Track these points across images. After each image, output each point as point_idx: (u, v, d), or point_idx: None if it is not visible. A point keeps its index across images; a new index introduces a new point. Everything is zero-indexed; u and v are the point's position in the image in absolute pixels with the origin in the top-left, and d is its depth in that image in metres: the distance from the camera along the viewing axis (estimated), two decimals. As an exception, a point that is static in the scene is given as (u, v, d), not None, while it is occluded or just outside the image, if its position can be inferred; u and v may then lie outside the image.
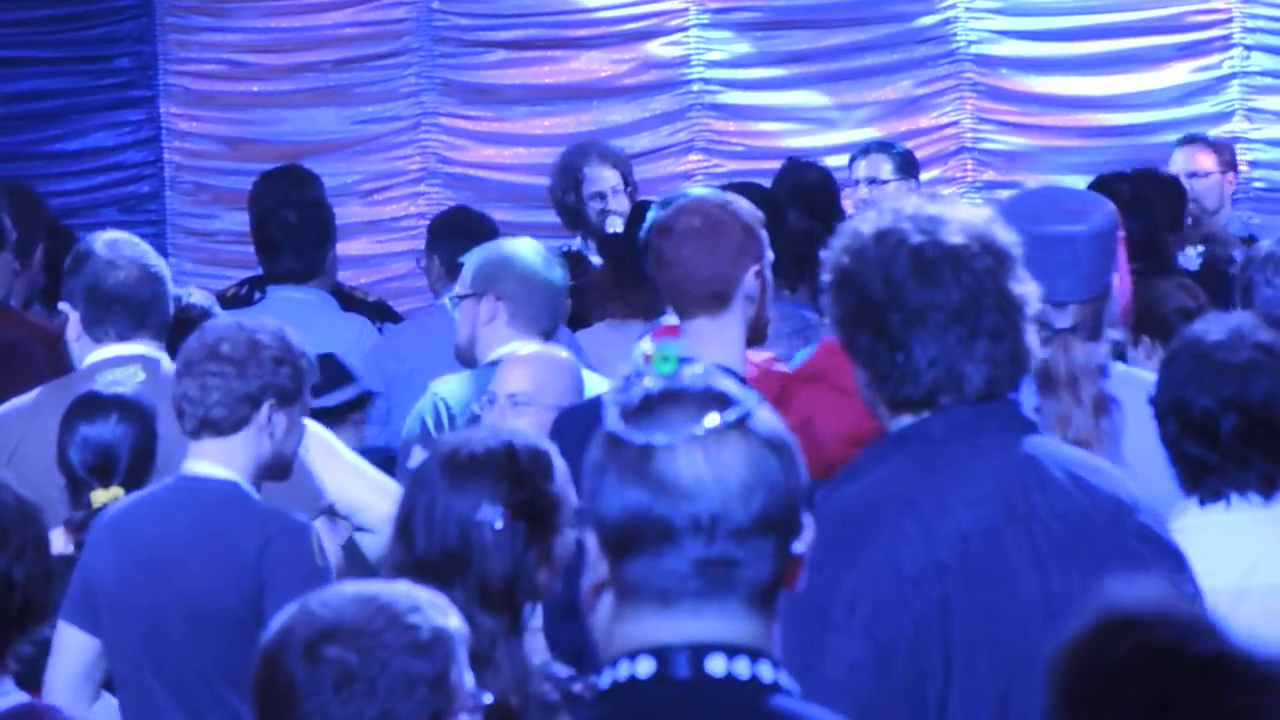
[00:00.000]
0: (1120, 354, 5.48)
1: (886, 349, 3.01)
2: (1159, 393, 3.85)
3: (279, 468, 4.51)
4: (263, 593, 4.26)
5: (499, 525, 3.50)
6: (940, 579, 2.90)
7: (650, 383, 2.33)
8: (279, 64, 10.52)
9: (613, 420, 2.31)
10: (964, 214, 3.05)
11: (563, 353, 5.23)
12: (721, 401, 2.30)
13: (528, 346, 5.27)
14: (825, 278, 3.08)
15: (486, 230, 6.95)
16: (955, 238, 3.01)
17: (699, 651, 2.28)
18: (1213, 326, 3.90)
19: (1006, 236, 3.05)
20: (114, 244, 5.18)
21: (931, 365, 3.00)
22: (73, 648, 4.42)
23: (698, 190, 5.03)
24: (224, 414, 4.41)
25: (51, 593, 3.27)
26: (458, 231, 6.98)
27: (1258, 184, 9.71)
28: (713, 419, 2.28)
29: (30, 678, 3.73)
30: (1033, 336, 3.06)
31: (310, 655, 2.53)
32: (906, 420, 3.04)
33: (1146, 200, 6.58)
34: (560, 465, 3.60)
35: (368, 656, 2.52)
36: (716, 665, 2.28)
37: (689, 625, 2.28)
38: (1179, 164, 8.36)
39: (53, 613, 3.31)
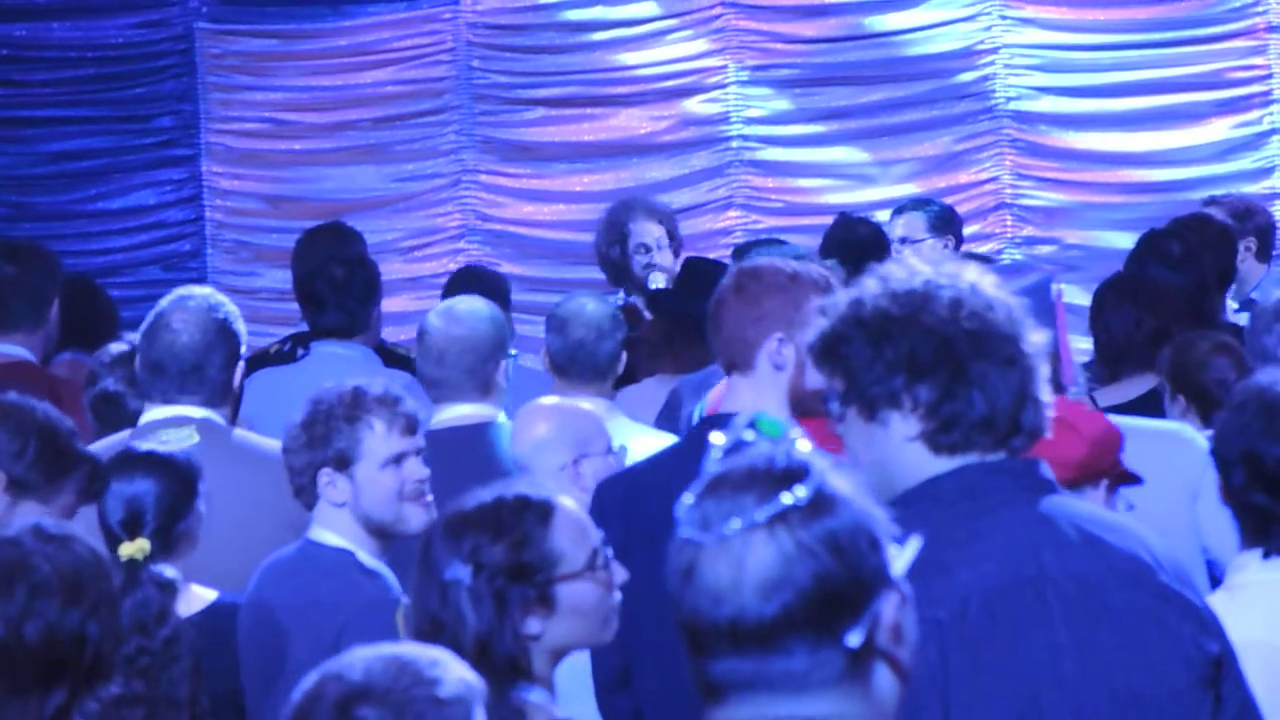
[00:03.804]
0: (1157, 401, 5.48)
1: (961, 388, 3.01)
2: (1224, 443, 3.83)
3: (380, 530, 4.52)
4: None
5: (467, 582, 3.40)
6: (937, 638, 2.88)
7: (718, 462, 2.32)
8: (320, 122, 10.57)
9: (681, 506, 2.32)
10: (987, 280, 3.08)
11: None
12: (785, 480, 2.29)
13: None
14: (864, 328, 3.07)
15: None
16: (993, 293, 3.05)
17: None
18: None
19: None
20: (180, 304, 5.19)
21: (992, 405, 3.01)
22: None
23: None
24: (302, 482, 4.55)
25: (119, 651, 3.24)
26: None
27: (1298, 240, 9.69)
28: (736, 522, 2.27)
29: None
30: (1047, 393, 3.07)
31: (343, 715, 2.50)
32: (943, 465, 3.03)
33: (1195, 259, 6.55)
34: (566, 514, 3.50)
35: (402, 713, 2.50)
36: None
37: (785, 705, 2.28)
38: None
39: (118, 671, 3.28)
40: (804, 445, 2.34)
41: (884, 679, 2.31)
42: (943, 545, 2.93)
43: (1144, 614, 2.98)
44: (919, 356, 3.00)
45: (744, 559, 2.26)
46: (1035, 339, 3.06)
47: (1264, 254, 8.14)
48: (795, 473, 2.29)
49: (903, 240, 8.12)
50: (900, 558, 2.35)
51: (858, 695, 2.29)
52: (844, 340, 3.06)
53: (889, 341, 3.02)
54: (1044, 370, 3.07)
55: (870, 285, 3.07)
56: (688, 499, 2.32)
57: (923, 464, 3.03)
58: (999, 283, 3.10)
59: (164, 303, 5.20)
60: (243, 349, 5.25)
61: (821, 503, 2.29)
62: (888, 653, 2.31)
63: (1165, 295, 5.74)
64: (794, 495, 2.27)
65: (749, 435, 2.34)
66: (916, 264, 3.09)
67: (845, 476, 2.33)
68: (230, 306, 5.26)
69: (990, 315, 3.02)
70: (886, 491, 3.03)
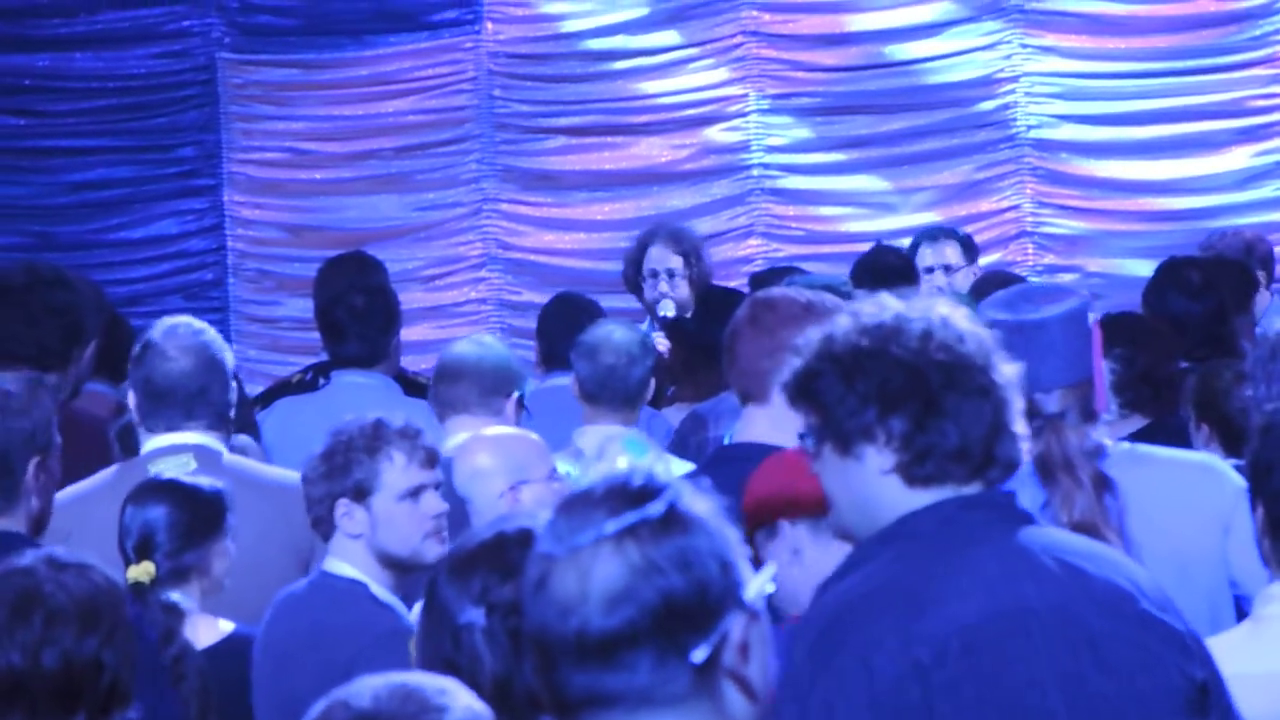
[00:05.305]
0: (1183, 430, 5.45)
1: (933, 419, 3.00)
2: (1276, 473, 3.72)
3: (396, 564, 4.50)
4: None
5: (481, 624, 3.42)
6: (919, 679, 2.87)
7: (587, 478, 2.36)
8: (341, 151, 10.60)
9: (541, 522, 2.35)
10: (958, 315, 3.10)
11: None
12: (640, 497, 2.31)
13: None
14: (840, 363, 3.06)
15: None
16: (964, 326, 3.07)
17: None
18: None
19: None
20: (171, 333, 5.17)
21: (964, 438, 3.01)
22: None
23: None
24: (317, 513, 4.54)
25: (135, 677, 3.25)
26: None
27: (1317, 270, 9.68)
28: (586, 534, 2.29)
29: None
30: (1021, 427, 3.07)
31: None
32: (920, 498, 3.02)
33: (1213, 287, 6.55)
34: None
35: None
36: None
37: None
38: None
39: (134, 698, 3.29)
40: (662, 467, 2.38)
41: (734, 699, 2.33)
42: (921, 584, 2.94)
43: (1126, 642, 2.97)
44: (890, 388, 3.01)
45: (591, 571, 2.28)
46: (1007, 370, 3.06)
47: (1269, 284, 8.17)
48: (650, 491, 2.32)
49: (945, 269, 8.13)
50: (755, 582, 2.36)
51: (709, 713, 2.30)
52: (816, 376, 3.06)
53: (861, 374, 3.02)
54: (1018, 403, 3.06)
55: (842, 321, 3.09)
56: (546, 515, 2.35)
57: (899, 498, 3.03)
58: (970, 315, 3.10)
59: (155, 334, 5.18)
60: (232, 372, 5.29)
61: (674, 520, 2.31)
62: (735, 672, 2.32)
63: (1154, 336, 5.68)
64: (645, 511, 2.30)
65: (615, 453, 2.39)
66: (888, 300, 3.10)
67: (703, 499, 2.35)
68: (213, 332, 5.29)
69: (961, 347, 3.02)
70: (866, 530, 3.04)
